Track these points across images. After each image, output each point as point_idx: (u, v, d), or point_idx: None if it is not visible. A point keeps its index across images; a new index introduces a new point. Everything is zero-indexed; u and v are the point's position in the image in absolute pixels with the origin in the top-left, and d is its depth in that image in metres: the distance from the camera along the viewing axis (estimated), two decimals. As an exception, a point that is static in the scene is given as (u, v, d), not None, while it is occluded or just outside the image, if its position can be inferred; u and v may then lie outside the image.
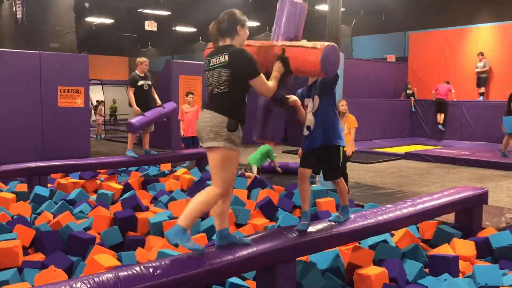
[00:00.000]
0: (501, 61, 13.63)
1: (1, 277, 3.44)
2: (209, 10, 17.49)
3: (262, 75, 3.00)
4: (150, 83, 7.38)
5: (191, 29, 23.99)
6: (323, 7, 16.26)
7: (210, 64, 3.00)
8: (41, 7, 11.23)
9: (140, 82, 7.21)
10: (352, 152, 6.82)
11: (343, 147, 3.69)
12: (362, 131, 11.64)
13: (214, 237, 4.13)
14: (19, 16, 9.61)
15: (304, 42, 3.36)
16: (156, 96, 7.56)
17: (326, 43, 3.21)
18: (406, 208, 4.09)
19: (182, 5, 17.89)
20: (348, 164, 6.95)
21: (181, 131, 8.99)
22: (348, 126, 6.79)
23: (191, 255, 2.80)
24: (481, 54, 13.62)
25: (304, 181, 3.52)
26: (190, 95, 9.00)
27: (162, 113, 7.40)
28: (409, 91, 15.12)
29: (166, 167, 8.24)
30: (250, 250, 2.95)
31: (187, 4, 17.71)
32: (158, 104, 7.48)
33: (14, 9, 9.90)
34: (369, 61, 15.64)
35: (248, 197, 5.94)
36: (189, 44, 25.88)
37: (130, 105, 7.21)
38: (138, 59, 7.43)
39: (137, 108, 7.09)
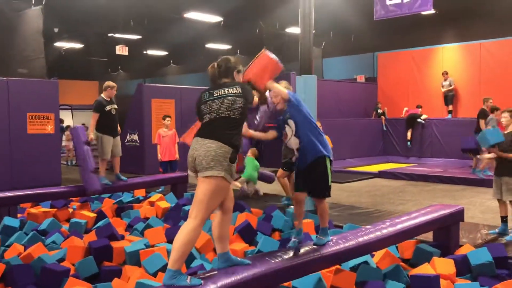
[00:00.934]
0: (466, 80, 14.05)
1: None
2: (180, 34, 17.55)
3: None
4: (116, 107, 7.21)
5: (163, 53, 23.95)
6: (293, 30, 16.52)
7: (214, 95, 3.17)
8: (8, 32, 11.03)
9: (108, 107, 7.03)
10: (328, 172, 6.83)
11: (330, 160, 3.74)
12: (335, 151, 11.61)
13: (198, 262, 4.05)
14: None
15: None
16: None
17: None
18: (386, 229, 4.10)
19: (153, 29, 17.87)
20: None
21: (159, 155, 8.78)
22: (323, 147, 6.82)
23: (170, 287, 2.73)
24: (446, 73, 14.01)
25: (301, 205, 3.76)
26: (168, 118, 8.87)
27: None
28: (379, 111, 15.39)
29: (140, 193, 8.09)
30: (232, 279, 2.88)
31: (158, 28, 17.69)
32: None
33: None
34: (339, 82, 15.90)
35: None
36: (161, 67, 25.83)
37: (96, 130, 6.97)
38: (107, 83, 7.20)
39: (92, 135, 6.84)
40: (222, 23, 16.08)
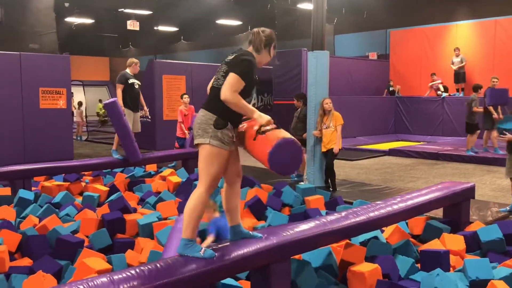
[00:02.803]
0: (480, 57, 13.84)
1: (-12, 283, 3.36)
2: (191, 9, 17.41)
3: (238, 77, 2.89)
4: (139, 83, 7.38)
5: (173, 29, 23.82)
6: (305, 6, 16.31)
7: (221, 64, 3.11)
8: (20, 8, 11.02)
9: (131, 80, 7.20)
10: (339, 149, 6.84)
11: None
12: (345, 128, 11.66)
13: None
14: (-2, 16, 9.43)
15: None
16: (143, 102, 7.57)
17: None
18: (396, 204, 4.11)
19: (163, 5, 17.74)
20: (335, 161, 6.97)
21: (179, 131, 8.83)
22: (334, 124, 6.82)
23: (183, 257, 2.78)
24: (457, 49, 13.80)
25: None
26: (186, 96, 8.99)
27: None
28: (391, 89, 15.25)
29: (152, 167, 8.16)
30: (244, 251, 2.92)
31: (169, 3, 17.57)
32: (144, 111, 7.68)
33: (-7, 10, 9.71)
34: (351, 59, 15.73)
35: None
36: (171, 43, 25.70)
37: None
38: (131, 60, 7.43)
39: (123, 107, 6.99)
40: (233, -2, 15.92)
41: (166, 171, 7.47)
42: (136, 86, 7.28)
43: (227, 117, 2.93)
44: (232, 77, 2.88)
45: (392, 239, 4.36)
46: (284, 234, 3.19)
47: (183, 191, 6.23)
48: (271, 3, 16.79)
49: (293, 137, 2.92)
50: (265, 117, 2.94)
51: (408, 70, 15.51)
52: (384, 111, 14.68)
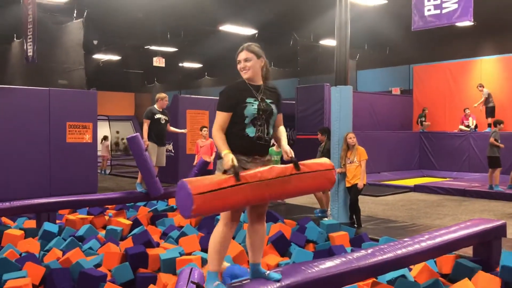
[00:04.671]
0: (506, 92, 13.66)
1: (11, 317, 3.34)
2: (214, 46, 17.78)
3: (217, 112, 3.01)
4: (167, 118, 7.51)
5: (197, 65, 24.30)
6: (327, 42, 16.49)
7: None
8: (51, 45, 11.43)
9: (157, 116, 7.35)
10: (364, 184, 6.75)
11: None
12: (369, 163, 11.53)
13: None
14: (30, 53, 9.78)
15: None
16: (174, 129, 7.80)
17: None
18: (424, 242, 3.99)
19: (188, 42, 18.18)
20: (359, 197, 6.87)
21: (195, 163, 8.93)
22: (358, 159, 6.76)
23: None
24: (481, 85, 13.66)
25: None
26: (205, 129, 9.14)
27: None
28: (423, 119, 14.96)
29: (174, 202, 8.16)
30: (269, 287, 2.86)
31: (194, 40, 17.99)
32: (183, 131, 8.29)
33: (25, 46, 10.07)
34: (374, 94, 15.73)
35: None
36: (195, 79, 26.18)
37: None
38: (159, 95, 7.60)
39: (147, 142, 7.14)
40: (256, 35, 16.21)
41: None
42: (163, 121, 7.42)
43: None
44: (216, 114, 3.04)
45: (420, 278, 4.22)
46: (309, 271, 3.11)
47: (205, 225, 6.19)
48: (293, 40, 17.03)
49: (190, 181, 2.68)
50: (225, 163, 2.80)
51: (432, 105, 15.38)
52: (409, 146, 14.52)
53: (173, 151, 12.28)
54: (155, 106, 7.46)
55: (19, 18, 11.00)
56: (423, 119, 15.01)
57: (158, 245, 5.29)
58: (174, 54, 20.32)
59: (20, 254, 4.87)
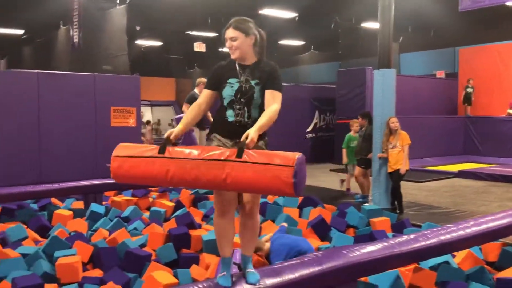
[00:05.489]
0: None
1: (63, 292, 3.52)
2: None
3: (204, 90, 2.93)
4: None
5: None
6: (369, 25, 16.15)
7: None
8: (95, 31, 11.71)
9: None
10: (406, 170, 6.64)
11: None
12: (412, 149, 11.31)
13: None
14: (75, 40, 10.07)
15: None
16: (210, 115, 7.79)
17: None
18: (469, 228, 3.90)
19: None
20: (402, 182, 6.76)
21: None
22: (400, 143, 6.65)
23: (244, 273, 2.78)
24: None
25: None
26: None
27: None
28: (468, 89, 14.42)
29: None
30: (310, 270, 2.88)
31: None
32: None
33: (71, 33, 10.37)
34: (417, 77, 15.31)
35: (300, 216, 5.87)
36: (234, 64, 26.23)
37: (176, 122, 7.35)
38: (200, 79, 7.73)
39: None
40: (297, 18, 16.04)
41: (229, 189, 7.55)
42: None
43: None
44: None
45: (464, 265, 4.14)
46: (351, 255, 3.11)
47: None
48: (335, 23, 16.76)
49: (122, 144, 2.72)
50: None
51: (478, 89, 14.84)
52: (453, 131, 14.11)
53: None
54: (196, 90, 7.55)
55: (66, 6, 11.33)
56: (470, 90, 14.36)
57: (200, 226, 5.40)
58: (215, 39, 20.39)
59: (69, 233, 5.08)
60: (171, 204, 6.46)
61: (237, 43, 2.83)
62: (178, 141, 2.74)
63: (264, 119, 2.67)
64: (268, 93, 2.78)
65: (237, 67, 2.86)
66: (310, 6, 15.11)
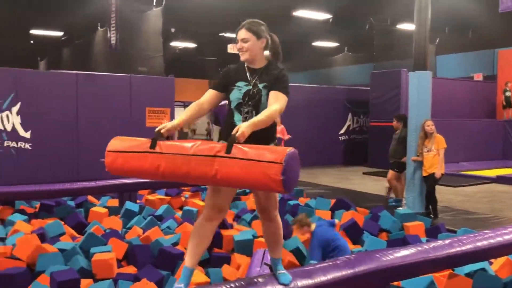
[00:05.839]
0: None
1: (98, 287, 3.60)
2: (288, 32, 17.71)
3: (209, 89, 2.89)
4: None
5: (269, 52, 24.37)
6: (405, 26, 15.90)
7: None
8: (132, 33, 11.96)
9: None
10: (441, 174, 6.51)
11: None
12: (448, 153, 11.07)
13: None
14: (113, 41, 10.30)
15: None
16: None
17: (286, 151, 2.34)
18: (507, 235, 3.78)
19: (262, 28, 18.25)
20: (437, 187, 6.63)
21: None
22: (436, 147, 6.52)
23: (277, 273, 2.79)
24: None
25: None
26: None
27: None
28: (507, 93, 13.98)
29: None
30: (343, 273, 2.86)
31: (267, 26, 18.02)
32: None
33: (108, 35, 10.62)
34: (454, 80, 14.98)
35: (332, 219, 5.83)
36: (267, 66, 26.29)
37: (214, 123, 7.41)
38: None
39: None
40: (331, 20, 15.95)
41: (261, 190, 7.57)
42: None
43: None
44: None
45: (502, 273, 4.02)
46: (384, 259, 3.08)
47: (279, 210, 6.25)
48: (369, 24, 16.58)
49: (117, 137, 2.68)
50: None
51: (519, 91, 14.39)
52: (491, 135, 13.72)
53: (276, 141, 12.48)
54: None
55: (103, 8, 11.61)
56: (508, 94, 13.94)
57: (231, 226, 5.44)
58: (248, 40, 20.50)
59: (105, 230, 5.19)
60: (203, 203, 6.51)
61: (248, 45, 2.80)
62: (173, 136, 2.71)
63: (260, 116, 2.58)
64: (272, 93, 2.74)
65: (247, 71, 2.84)
66: (345, 7, 15.02)
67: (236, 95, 2.77)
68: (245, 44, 2.80)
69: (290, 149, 2.34)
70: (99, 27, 14.73)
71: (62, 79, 9.50)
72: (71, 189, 6.18)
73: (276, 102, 2.70)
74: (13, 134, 9.00)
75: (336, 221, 5.20)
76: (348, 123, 14.19)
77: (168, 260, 4.17)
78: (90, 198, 6.95)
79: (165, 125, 2.62)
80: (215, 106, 2.90)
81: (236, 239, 4.76)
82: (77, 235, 5.17)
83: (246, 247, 4.66)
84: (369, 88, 13.39)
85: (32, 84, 9.15)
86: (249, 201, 6.81)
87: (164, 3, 11.93)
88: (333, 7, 15.07)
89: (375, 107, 13.06)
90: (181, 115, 2.81)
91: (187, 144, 2.46)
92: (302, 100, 12.75)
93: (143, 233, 5.08)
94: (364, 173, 11.79)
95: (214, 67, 27.04)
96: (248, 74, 2.81)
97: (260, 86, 2.76)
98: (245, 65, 2.85)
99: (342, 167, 13.29)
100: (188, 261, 2.70)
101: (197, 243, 2.69)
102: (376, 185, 9.50)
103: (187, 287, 2.66)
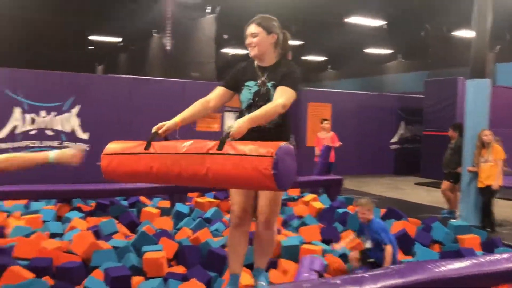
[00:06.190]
0: None
1: (149, 285, 3.70)
2: (340, 38, 17.59)
3: (217, 87, 2.81)
4: None
5: (321, 58, 24.25)
6: (461, 33, 15.42)
7: None
8: (186, 39, 12.26)
9: None
10: (499, 186, 6.24)
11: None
12: (507, 164, 10.65)
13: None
14: (168, 47, 10.60)
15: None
16: None
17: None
18: None
19: (314, 34, 18.19)
20: (494, 200, 6.36)
21: (316, 158, 8.99)
22: (494, 157, 6.27)
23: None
24: None
25: None
26: (326, 121, 9.06)
27: None
28: None
29: (294, 192, 8.29)
30: (392, 282, 2.80)
31: (319, 32, 17.96)
32: None
33: (163, 41, 10.94)
34: (515, 89, 14.32)
35: (382, 228, 5.72)
36: (317, 72, 26.17)
37: None
38: None
39: None
40: (384, 26, 15.70)
41: (309, 196, 7.52)
42: None
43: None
44: None
45: None
46: (436, 270, 2.98)
47: (326, 217, 6.20)
48: (425, 31, 16.18)
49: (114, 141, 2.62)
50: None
51: None
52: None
53: (294, 144, 12.44)
54: None
55: (159, 16, 11.97)
56: None
57: (279, 232, 5.43)
58: (298, 47, 20.49)
59: (156, 230, 5.33)
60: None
61: (257, 40, 2.69)
62: (175, 135, 2.64)
63: (260, 111, 2.46)
64: (278, 89, 2.59)
65: (257, 69, 2.72)
66: (400, 13, 14.73)
67: (246, 95, 2.69)
68: (254, 39, 2.70)
69: (284, 143, 2.23)
70: (154, 34, 15.18)
71: (118, 83, 9.86)
72: (125, 189, 6.38)
73: (280, 96, 2.55)
74: (72, 136, 9.43)
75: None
76: (400, 131, 13.88)
77: (217, 262, 4.22)
78: (143, 198, 7.14)
79: (164, 124, 2.57)
80: (222, 104, 2.82)
81: (284, 245, 4.75)
82: (130, 234, 5.33)
83: (292, 253, 4.65)
84: (423, 96, 13.04)
85: (90, 88, 9.55)
86: (297, 207, 6.79)
87: (218, 10, 12.16)
88: (388, 13, 14.83)
89: (429, 115, 12.70)
90: (182, 112, 2.71)
91: (180, 144, 2.37)
92: (353, 107, 12.60)
93: (193, 234, 5.16)
94: (416, 183, 11.48)
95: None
96: (257, 73, 2.70)
97: (269, 85, 2.64)
98: (255, 64, 2.73)
99: (393, 176, 12.99)
100: (231, 267, 2.74)
101: (234, 251, 2.72)
102: (428, 196, 9.23)
103: None
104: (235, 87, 2.73)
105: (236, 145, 2.24)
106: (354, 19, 15.15)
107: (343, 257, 4.52)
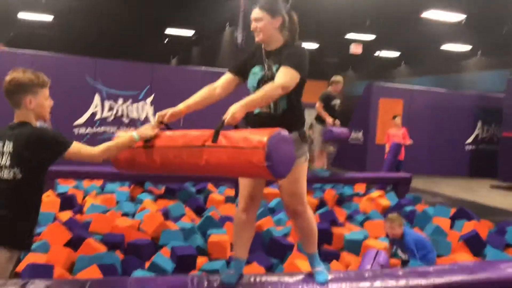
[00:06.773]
0: None
1: (212, 266, 3.83)
2: (415, 33, 16.98)
3: (226, 73, 2.71)
4: (338, 102, 7.29)
5: (394, 54, 23.54)
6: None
7: None
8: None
9: (333, 102, 7.16)
10: None
11: None
12: None
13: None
14: (239, 40, 10.77)
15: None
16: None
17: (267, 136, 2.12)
18: None
19: (388, 28, 17.69)
20: None
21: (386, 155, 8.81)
22: None
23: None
24: None
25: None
26: (397, 118, 8.85)
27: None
28: None
29: (360, 188, 8.17)
30: (459, 278, 2.71)
31: (393, 27, 17.43)
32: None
33: (235, 34, 11.13)
34: None
35: (451, 228, 5.52)
36: (390, 69, 25.45)
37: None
38: (334, 78, 7.29)
39: (330, 119, 7.02)
40: (463, 22, 14.98)
41: (375, 193, 7.39)
42: (337, 108, 7.19)
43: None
44: None
45: None
46: (509, 270, 2.85)
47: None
48: (507, 27, 15.26)
49: None
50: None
51: None
52: None
53: (361, 140, 12.23)
54: (330, 89, 7.27)
55: (233, 10, 12.16)
56: None
57: (342, 225, 5.40)
58: (371, 42, 20.02)
59: (220, 216, 5.48)
60: (315, 201, 6.55)
61: (261, 25, 2.54)
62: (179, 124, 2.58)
63: (256, 94, 2.34)
64: (280, 69, 2.43)
65: (263, 53, 2.58)
66: (481, 7, 13.98)
67: (251, 82, 2.58)
68: (259, 24, 2.55)
69: (276, 130, 2.13)
70: (227, 27, 15.44)
71: (191, 75, 10.17)
72: (194, 176, 6.60)
73: (280, 77, 2.38)
74: (146, 123, 9.85)
75: (424, 235, 4.91)
76: (476, 131, 13.23)
77: (279, 250, 4.28)
78: (210, 186, 7.35)
79: (167, 111, 2.51)
80: (230, 91, 2.71)
81: (347, 238, 4.73)
82: (196, 217, 5.52)
83: (355, 247, 4.61)
84: (503, 95, 12.34)
85: (164, 78, 9.92)
86: (362, 204, 6.70)
87: (289, 4, 12.15)
88: (468, 7, 14.11)
89: (510, 116, 11.99)
90: (187, 99, 2.65)
91: (180, 134, 2.36)
92: (427, 105, 12.17)
93: (256, 221, 5.24)
94: (492, 186, 10.91)
95: (334, 68, 26.91)
96: (264, 58, 2.57)
97: (274, 68, 2.50)
98: (262, 48, 2.62)
99: (467, 178, 12.43)
100: (236, 251, 2.74)
101: (239, 235, 2.71)
102: (505, 200, 8.75)
103: (238, 276, 2.65)
104: (243, 73, 2.65)
105: (230, 135, 2.19)
106: (431, 14, 14.54)
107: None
